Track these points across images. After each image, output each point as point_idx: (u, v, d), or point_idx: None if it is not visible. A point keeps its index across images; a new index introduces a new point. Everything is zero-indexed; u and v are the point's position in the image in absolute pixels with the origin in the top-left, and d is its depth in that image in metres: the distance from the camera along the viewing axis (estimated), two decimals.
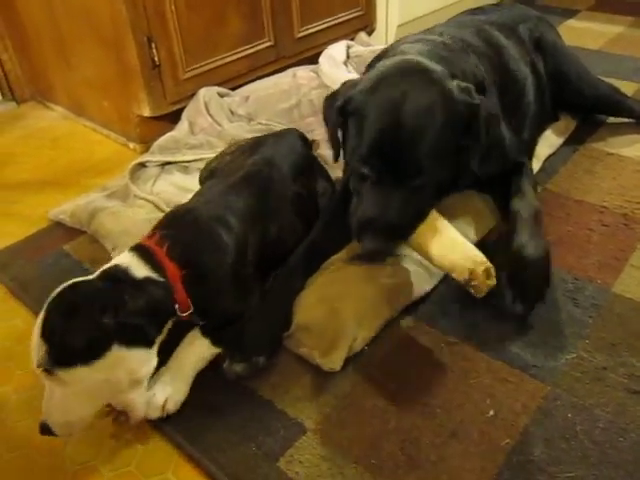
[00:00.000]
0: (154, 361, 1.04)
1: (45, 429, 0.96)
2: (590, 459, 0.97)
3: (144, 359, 1.02)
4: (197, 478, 1.00)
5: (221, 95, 1.97)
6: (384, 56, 1.36)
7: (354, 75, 2.01)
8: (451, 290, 1.28)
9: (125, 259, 1.05)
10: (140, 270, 1.03)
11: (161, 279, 1.04)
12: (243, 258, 1.17)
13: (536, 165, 1.69)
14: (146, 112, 1.85)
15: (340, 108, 1.18)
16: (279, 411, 1.08)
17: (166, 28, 1.77)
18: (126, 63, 1.79)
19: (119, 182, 1.70)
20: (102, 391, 0.99)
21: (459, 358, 1.16)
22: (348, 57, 2.20)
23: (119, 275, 1.02)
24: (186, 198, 1.58)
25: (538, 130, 1.77)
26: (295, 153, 1.44)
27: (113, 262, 1.06)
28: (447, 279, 1.28)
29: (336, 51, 2.17)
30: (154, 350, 1.04)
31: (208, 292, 1.11)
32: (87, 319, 0.94)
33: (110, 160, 1.93)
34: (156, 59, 1.78)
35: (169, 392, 1.07)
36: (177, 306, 1.05)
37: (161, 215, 1.55)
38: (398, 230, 1.15)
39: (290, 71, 2.13)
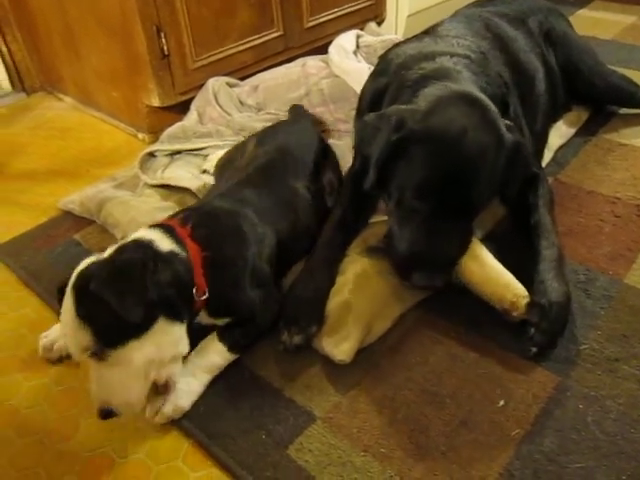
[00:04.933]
0: (186, 340, 1.03)
1: (106, 413, 0.95)
2: (601, 450, 0.97)
3: (181, 335, 1.01)
4: (207, 465, 1.00)
5: (230, 85, 1.97)
6: (411, 65, 1.33)
7: (364, 65, 2.00)
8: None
9: (146, 234, 1.03)
10: (164, 244, 1.02)
11: (184, 254, 1.03)
12: (261, 252, 1.16)
13: (548, 155, 1.68)
14: (155, 102, 1.85)
15: (398, 141, 1.14)
16: (288, 399, 1.08)
17: (175, 18, 1.77)
18: (135, 53, 1.79)
19: (128, 173, 1.70)
20: (151, 367, 0.97)
21: (469, 348, 1.16)
22: (358, 47, 2.18)
23: (144, 247, 0.99)
24: (200, 180, 1.57)
25: (550, 121, 1.75)
26: (309, 141, 1.41)
27: (130, 238, 1.03)
28: None
29: (346, 41, 2.15)
30: (185, 328, 1.02)
31: (225, 280, 1.09)
32: (135, 289, 0.91)
33: (119, 150, 1.93)
34: (165, 49, 1.78)
35: (179, 402, 1.05)
36: (195, 289, 1.03)
37: (170, 203, 1.55)
38: (448, 263, 1.17)
39: (300, 61, 2.11)
